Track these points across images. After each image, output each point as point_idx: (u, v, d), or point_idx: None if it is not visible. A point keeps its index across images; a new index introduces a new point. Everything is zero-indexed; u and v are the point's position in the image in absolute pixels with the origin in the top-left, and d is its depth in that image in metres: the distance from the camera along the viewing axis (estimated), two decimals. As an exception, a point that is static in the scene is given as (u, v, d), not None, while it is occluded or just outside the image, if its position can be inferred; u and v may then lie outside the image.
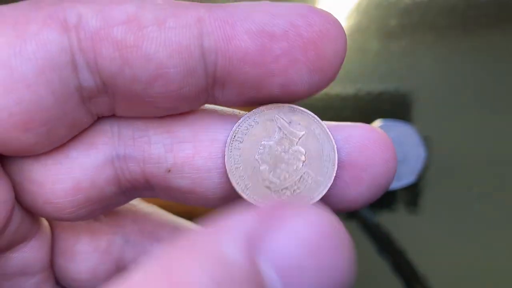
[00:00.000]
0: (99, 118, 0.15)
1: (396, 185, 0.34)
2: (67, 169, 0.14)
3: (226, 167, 0.14)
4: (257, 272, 0.11)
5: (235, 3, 0.13)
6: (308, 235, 0.11)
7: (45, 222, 0.17)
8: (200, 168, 0.14)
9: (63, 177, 0.14)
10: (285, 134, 0.15)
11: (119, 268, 0.18)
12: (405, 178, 0.34)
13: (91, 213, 0.15)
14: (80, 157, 0.15)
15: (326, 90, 0.34)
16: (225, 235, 0.11)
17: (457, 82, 0.35)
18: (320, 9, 0.13)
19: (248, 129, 0.15)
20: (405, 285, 0.34)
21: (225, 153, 0.14)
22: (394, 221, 0.35)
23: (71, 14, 0.12)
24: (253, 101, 0.14)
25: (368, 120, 0.35)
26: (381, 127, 0.34)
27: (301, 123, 0.15)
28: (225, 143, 0.14)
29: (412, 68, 0.36)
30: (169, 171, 0.15)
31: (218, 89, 0.14)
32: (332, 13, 0.14)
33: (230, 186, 0.15)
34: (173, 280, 0.10)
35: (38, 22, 0.12)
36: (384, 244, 0.34)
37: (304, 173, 0.14)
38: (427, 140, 0.34)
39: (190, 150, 0.14)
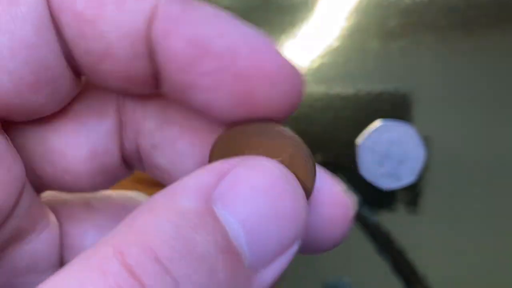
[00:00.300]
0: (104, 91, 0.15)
1: (396, 185, 0.34)
2: (85, 137, 0.15)
3: None
4: (214, 215, 0.11)
5: (203, 4, 0.13)
6: (258, 180, 0.12)
7: (53, 218, 0.17)
8: (179, 151, 0.15)
9: (81, 145, 0.15)
10: None
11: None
12: (405, 178, 0.34)
13: (103, 182, 0.16)
14: (95, 125, 0.15)
15: (325, 90, 0.36)
16: (180, 190, 0.12)
17: (457, 82, 0.35)
18: (276, 49, 0.13)
19: None
20: (405, 285, 0.34)
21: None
22: (394, 221, 0.35)
23: None
24: (183, 103, 0.14)
25: (368, 120, 0.35)
26: (381, 127, 0.34)
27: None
28: (209, 135, 0.15)
29: (412, 68, 0.36)
30: (154, 147, 0.15)
31: (161, 80, 0.14)
32: (291, 61, 0.13)
33: None
34: (136, 232, 0.11)
35: None
36: (384, 244, 0.34)
37: None
38: (427, 140, 0.34)
39: (176, 132, 0.15)
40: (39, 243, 0.16)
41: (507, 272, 0.35)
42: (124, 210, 0.19)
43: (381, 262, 0.34)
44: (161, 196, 0.12)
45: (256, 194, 0.12)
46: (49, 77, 0.13)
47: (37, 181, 0.16)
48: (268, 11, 0.36)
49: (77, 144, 0.15)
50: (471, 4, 0.35)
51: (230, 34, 0.13)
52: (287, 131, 0.13)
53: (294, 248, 0.12)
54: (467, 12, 0.35)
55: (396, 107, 0.35)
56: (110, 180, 0.16)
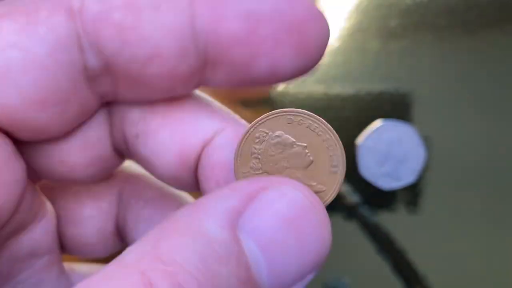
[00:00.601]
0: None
1: (396, 185, 0.34)
2: (78, 128, 0.16)
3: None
4: (239, 246, 0.12)
5: None
6: (285, 210, 0.12)
7: (49, 206, 0.18)
8: (160, 142, 0.15)
9: (76, 135, 0.16)
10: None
11: (118, 227, 0.19)
12: (405, 178, 0.34)
13: (96, 172, 0.16)
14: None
15: (326, 90, 0.36)
16: (207, 212, 0.12)
17: (457, 82, 0.35)
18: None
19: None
20: (405, 285, 0.34)
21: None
22: (394, 221, 0.35)
23: (75, 1, 0.13)
24: (243, 82, 0.15)
25: (368, 120, 0.35)
26: (381, 127, 0.34)
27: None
28: (192, 127, 0.15)
29: (412, 68, 0.36)
30: (137, 136, 0.16)
31: (209, 70, 0.14)
32: (315, 4, 0.14)
33: (182, 168, 0.15)
34: (163, 259, 0.11)
35: (47, 9, 0.13)
36: (384, 244, 0.34)
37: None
38: (427, 140, 0.34)
39: (158, 123, 0.15)
40: (38, 231, 0.17)
41: (506, 272, 0.35)
42: (112, 175, 0.19)
43: (381, 262, 0.34)
44: (187, 215, 0.12)
45: (282, 225, 0.12)
46: (59, 98, 0.14)
47: (33, 173, 0.16)
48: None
49: (71, 135, 0.15)
50: (471, 4, 0.35)
51: None
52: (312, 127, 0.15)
53: (313, 274, 0.13)
54: (467, 12, 0.35)
55: (396, 107, 0.35)
56: (104, 169, 0.17)
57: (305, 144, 0.15)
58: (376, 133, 0.34)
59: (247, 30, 0.14)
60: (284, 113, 0.15)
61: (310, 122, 0.15)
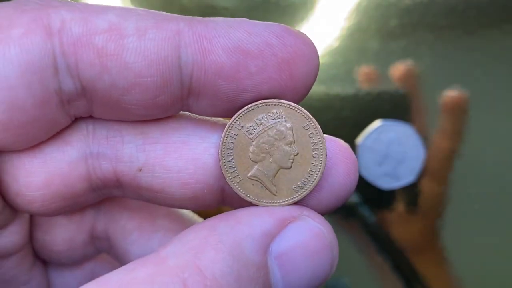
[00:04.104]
0: (77, 119, 0.15)
1: (395, 185, 0.34)
2: (41, 164, 0.15)
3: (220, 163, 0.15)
4: (266, 269, 0.13)
5: (215, 18, 0.14)
6: (308, 241, 0.14)
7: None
8: (170, 168, 0.15)
9: (36, 171, 0.15)
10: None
11: (93, 237, 0.19)
12: (404, 178, 0.34)
13: (61, 209, 0.16)
14: (54, 152, 0.15)
15: (325, 90, 0.36)
16: (245, 232, 0.13)
17: (457, 82, 0.35)
18: (295, 30, 0.14)
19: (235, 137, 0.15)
20: (405, 285, 0.34)
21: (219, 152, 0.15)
22: (394, 221, 0.35)
23: (55, 19, 0.13)
24: (225, 112, 0.15)
25: (368, 120, 0.35)
26: (380, 127, 0.34)
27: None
28: (196, 146, 0.15)
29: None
30: (140, 170, 0.15)
31: (192, 100, 0.14)
32: (306, 35, 0.14)
33: (198, 187, 0.15)
34: (204, 271, 0.12)
35: (22, 26, 0.13)
36: (384, 244, 0.34)
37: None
38: (426, 140, 0.35)
39: (161, 150, 0.15)
40: (10, 234, 0.17)
41: (507, 272, 0.35)
42: None
43: (381, 262, 0.34)
44: (227, 230, 0.13)
45: (303, 254, 0.14)
46: (25, 119, 0.13)
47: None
48: (268, 11, 0.36)
49: (31, 170, 0.15)
50: (471, 4, 0.35)
51: (258, 31, 0.13)
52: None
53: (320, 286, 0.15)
54: (467, 12, 0.35)
55: (396, 107, 0.35)
56: (69, 206, 0.16)
57: (297, 152, 0.15)
58: (376, 133, 0.34)
59: (234, 64, 0.13)
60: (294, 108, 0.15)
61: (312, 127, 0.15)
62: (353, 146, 0.35)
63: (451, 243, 0.35)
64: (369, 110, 0.35)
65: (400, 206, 0.35)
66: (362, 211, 0.35)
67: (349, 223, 0.35)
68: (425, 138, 0.34)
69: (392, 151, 0.34)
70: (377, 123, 0.34)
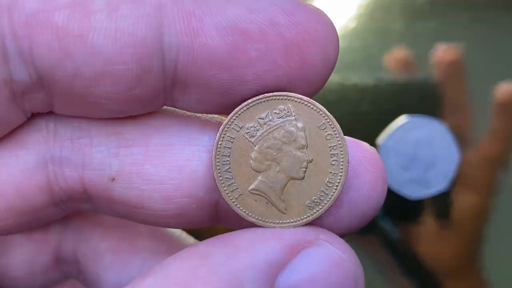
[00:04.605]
0: (33, 115, 0.14)
1: (424, 193, 0.32)
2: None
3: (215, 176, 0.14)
4: None
5: None
6: (327, 273, 0.13)
7: None
8: (151, 178, 0.14)
9: None
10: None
11: (58, 260, 0.18)
12: (435, 185, 0.32)
13: (17, 226, 0.15)
14: (5, 157, 0.14)
15: (341, 80, 0.34)
16: (247, 260, 0.13)
17: (498, 68, 0.33)
18: (308, 4, 0.13)
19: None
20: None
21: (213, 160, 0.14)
22: (421, 237, 0.33)
23: None
24: (220, 109, 0.14)
25: (391, 116, 0.33)
26: (406, 124, 0.32)
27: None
28: (182, 149, 0.15)
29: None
30: (113, 179, 0.14)
31: (178, 92, 0.14)
32: (322, 11, 0.13)
33: (185, 201, 0.15)
34: None
35: None
36: (410, 265, 0.32)
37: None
38: (461, 140, 0.32)
39: (140, 155, 0.14)
40: None
41: None
42: None
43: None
44: (223, 258, 0.12)
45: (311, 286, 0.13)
46: None
47: None
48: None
49: None
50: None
51: (261, 6, 0.12)
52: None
53: None
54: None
55: (424, 101, 0.34)
56: (28, 223, 0.15)
57: (311, 158, 0.14)
58: (400, 132, 0.32)
59: (229, 48, 0.12)
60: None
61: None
62: (373, 147, 0.33)
63: (491, 266, 0.34)
64: (392, 103, 0.34)
65: (429, 219, 0.34)
66: (383, 224, 0.33)
67: (367, 239, 0.34)
68: (460, 137, 0.32)
69: (420, 153, 0.32)
70: (402, 120, 0.32)
